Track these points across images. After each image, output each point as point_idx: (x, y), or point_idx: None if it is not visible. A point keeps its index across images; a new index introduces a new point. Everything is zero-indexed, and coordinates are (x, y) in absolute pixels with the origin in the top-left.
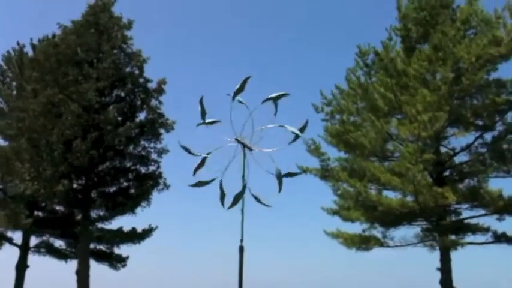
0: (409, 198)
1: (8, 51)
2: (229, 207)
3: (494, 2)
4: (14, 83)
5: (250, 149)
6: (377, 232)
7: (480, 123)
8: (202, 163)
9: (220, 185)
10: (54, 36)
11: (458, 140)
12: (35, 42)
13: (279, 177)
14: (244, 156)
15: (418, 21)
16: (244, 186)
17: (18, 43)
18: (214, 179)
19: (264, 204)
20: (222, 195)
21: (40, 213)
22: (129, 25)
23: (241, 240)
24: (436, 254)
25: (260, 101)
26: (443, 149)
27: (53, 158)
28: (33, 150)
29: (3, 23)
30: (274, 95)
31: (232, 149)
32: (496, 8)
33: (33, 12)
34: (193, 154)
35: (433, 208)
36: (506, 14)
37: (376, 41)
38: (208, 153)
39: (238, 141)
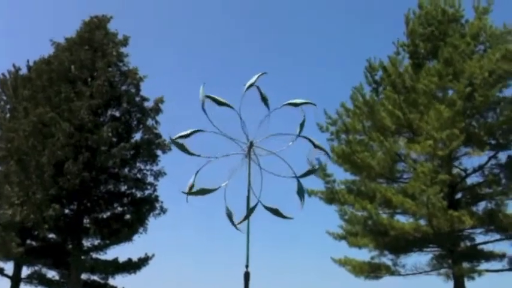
0: (422, 222)
1: (3, 74)
2: (240, 222)
3: (503, 16)
4: (8, 106)
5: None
6: (387, 259)
7: (493, 142)
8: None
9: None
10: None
11: (470, 160)
12: (31, 63)
13: (301, 191)
14: (249, 158)
15: (426, 36)
16: (258, 199)
17: (14, 65)
18: (218, 188)
19: (285, 217)
20: (230, 214)
21: (33, 242)
22: (125, 41)
23: (247, 266)
24: (450, 282)
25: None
26: (454, 170)
27: (42, 180)
28: (22, 172)
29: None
30: (251, 79)
31: (239, 157)
32: (505, 23)
33: (33, 34)
34: (189, 153)
35: (447, 233)
36: None
37: (383, 57)
38: (206, 158)
39: (251, 144)
